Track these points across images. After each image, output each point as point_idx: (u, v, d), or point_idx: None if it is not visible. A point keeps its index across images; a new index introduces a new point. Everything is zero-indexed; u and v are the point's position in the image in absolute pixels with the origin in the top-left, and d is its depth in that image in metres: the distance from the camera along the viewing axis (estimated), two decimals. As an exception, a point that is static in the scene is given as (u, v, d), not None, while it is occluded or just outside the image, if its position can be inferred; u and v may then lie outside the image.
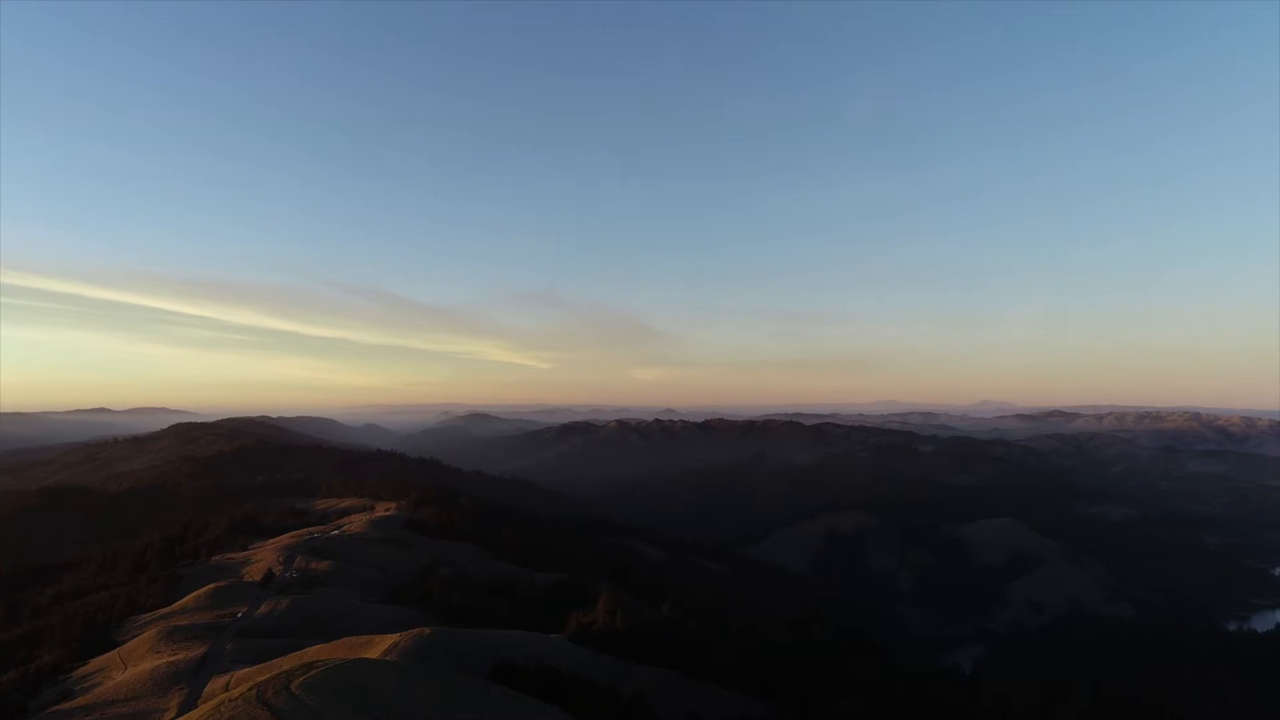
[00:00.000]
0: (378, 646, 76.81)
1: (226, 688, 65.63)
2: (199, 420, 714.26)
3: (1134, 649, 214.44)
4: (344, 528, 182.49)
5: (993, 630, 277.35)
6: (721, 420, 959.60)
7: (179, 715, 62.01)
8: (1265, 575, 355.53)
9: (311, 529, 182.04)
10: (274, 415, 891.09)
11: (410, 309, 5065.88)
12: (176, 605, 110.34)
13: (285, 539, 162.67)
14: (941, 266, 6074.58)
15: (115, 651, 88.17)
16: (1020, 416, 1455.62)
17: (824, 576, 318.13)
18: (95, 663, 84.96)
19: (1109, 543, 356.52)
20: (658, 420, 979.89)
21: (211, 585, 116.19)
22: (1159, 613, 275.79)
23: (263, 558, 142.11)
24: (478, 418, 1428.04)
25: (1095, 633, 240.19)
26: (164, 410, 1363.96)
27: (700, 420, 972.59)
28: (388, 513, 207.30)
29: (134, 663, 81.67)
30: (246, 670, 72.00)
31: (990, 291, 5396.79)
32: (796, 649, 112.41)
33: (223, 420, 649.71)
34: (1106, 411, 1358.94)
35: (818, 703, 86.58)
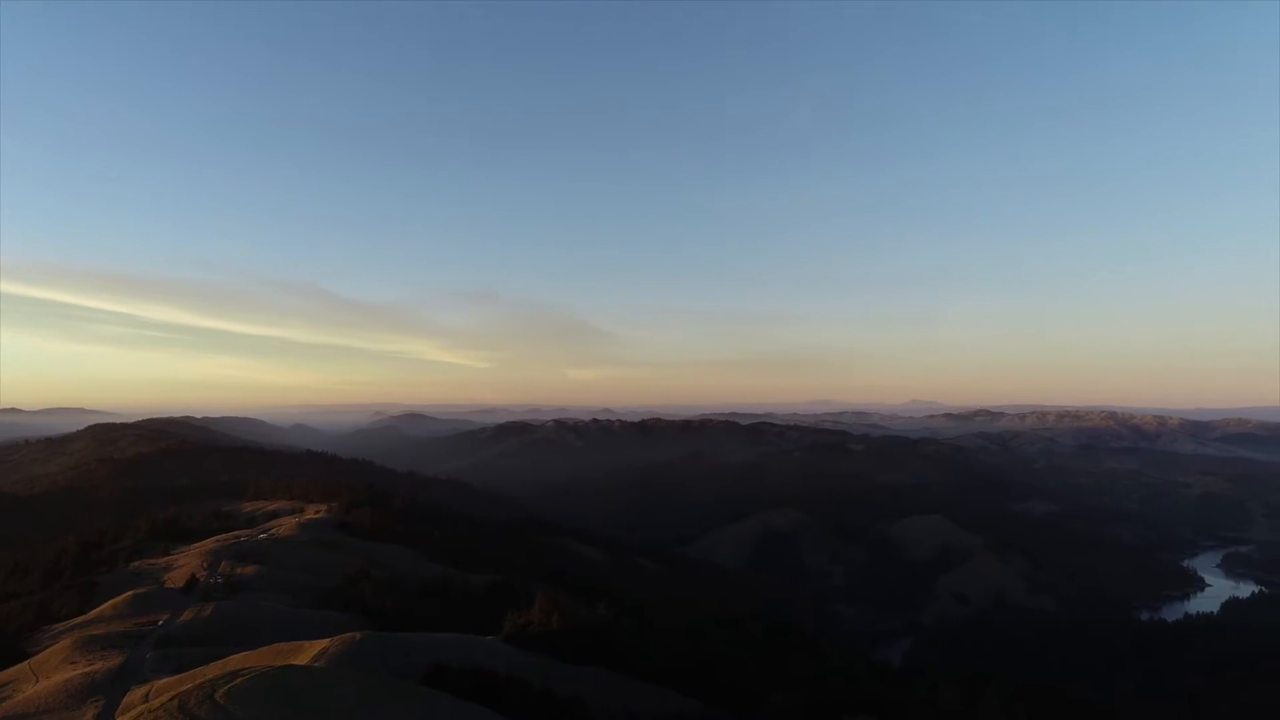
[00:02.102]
0: (307, 652, 74.90)
1: (146, 699, 63.19)
2: (118, 421, 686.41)
3: (1054, 639, 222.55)
4: (272, 531, 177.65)
5: (922, 623, 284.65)
6: (659, 420, 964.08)
7: (95, 728, 59.46)
8: (1175, 567, 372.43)
9: (238, 533, 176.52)
10: (198, 416, 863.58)
11: (344, 307, 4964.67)
12: (93, 614, 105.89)
13: (210, 543, 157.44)
14: (876, 268, 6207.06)
15: (26, 663, 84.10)
16: (949, 415, 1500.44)
17: (760, 574, 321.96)
18: (4, 675, 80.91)
19: (1032, 537, 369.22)
20: (595, 420, 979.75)
21: (130, 592, 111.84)
22: (1078, 604, 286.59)
23: (186, 563, 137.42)
24: (412, 418, 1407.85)
25: (1018, 624, 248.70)
26: (80, 410, 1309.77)
27: (638, 420, 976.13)
28: (318, 515, 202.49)
29: (46, 674, 78.06)
30: (167, 680, 69.44)
31: (923, 293, 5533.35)
32: (732, 646, 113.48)
33: (143, 421, 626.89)
34: (1030, 411, 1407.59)
35: (752, 699, 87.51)
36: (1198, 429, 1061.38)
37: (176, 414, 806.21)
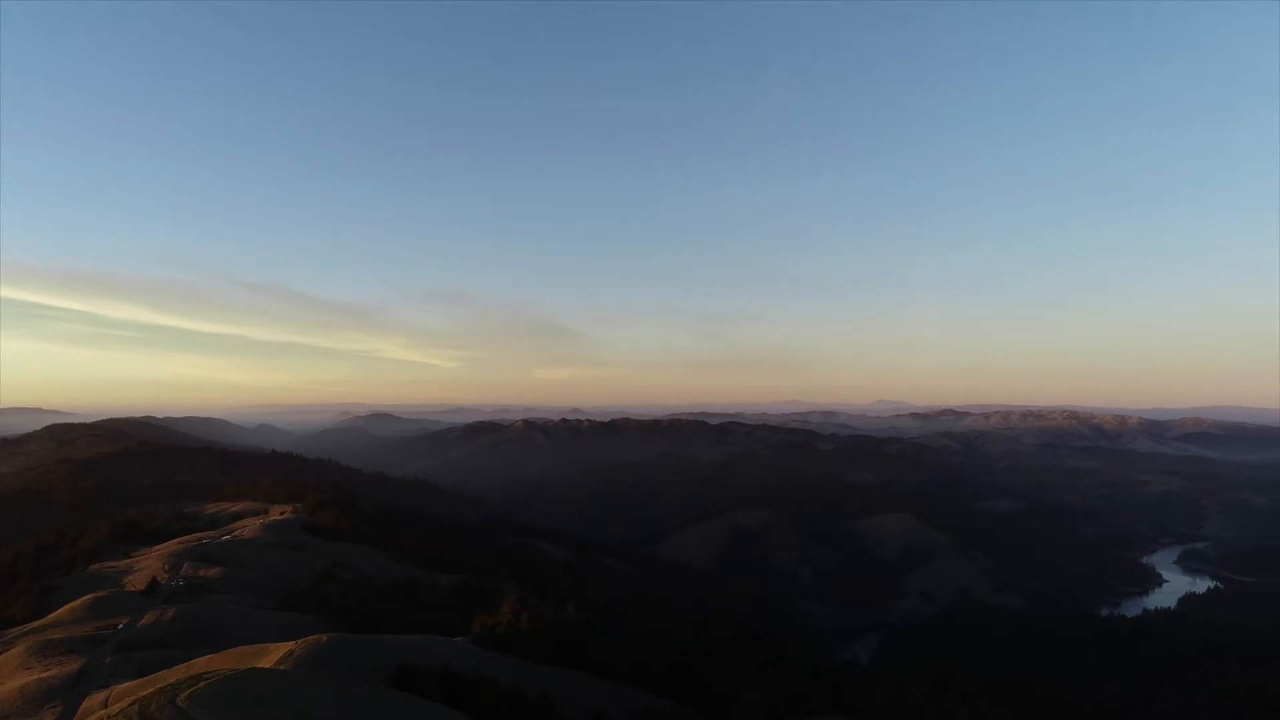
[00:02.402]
0: (271, 655, 74.05)
1: (106, 704, 62.13)
2: (76, 421, 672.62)
3: (1018, 635, 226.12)
4: (236, 532, 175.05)
5: (889, 621, 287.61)
6: (628, 420, 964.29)
7: (52, 735, 58.33)
8: (1134, 563, 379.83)
9: (201, 534, 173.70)
10: (159, 416, 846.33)
11: (310, 305, 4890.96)
12: (50, 618, 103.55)
13: (172, 545, 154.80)
14: (844, 268, 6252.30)
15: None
16: (915, 415, 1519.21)
17: (728, 573, 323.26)
18: (-43, 682, 79.00)
19: (996, 535, 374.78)
20: (564, 420, 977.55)
21: (90, 596, 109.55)
22: (1041, 600, 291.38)
23: (147, 566, 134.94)
24: (379, 418, 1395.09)
25: (983, 621, 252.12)
26: (37, 410, 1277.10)
27: (607, 420, 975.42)
28: (283, 516, 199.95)
29: (2, 680, 76.38)
30: (128, 685, 68.23)
31: (890, 293, 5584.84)
32: (700, 645, 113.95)
33: (102, 421, 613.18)
34: (994, 410, 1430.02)
35: (721, 698, 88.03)
36: (1156, 428, 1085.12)
37: (137, 414, 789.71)
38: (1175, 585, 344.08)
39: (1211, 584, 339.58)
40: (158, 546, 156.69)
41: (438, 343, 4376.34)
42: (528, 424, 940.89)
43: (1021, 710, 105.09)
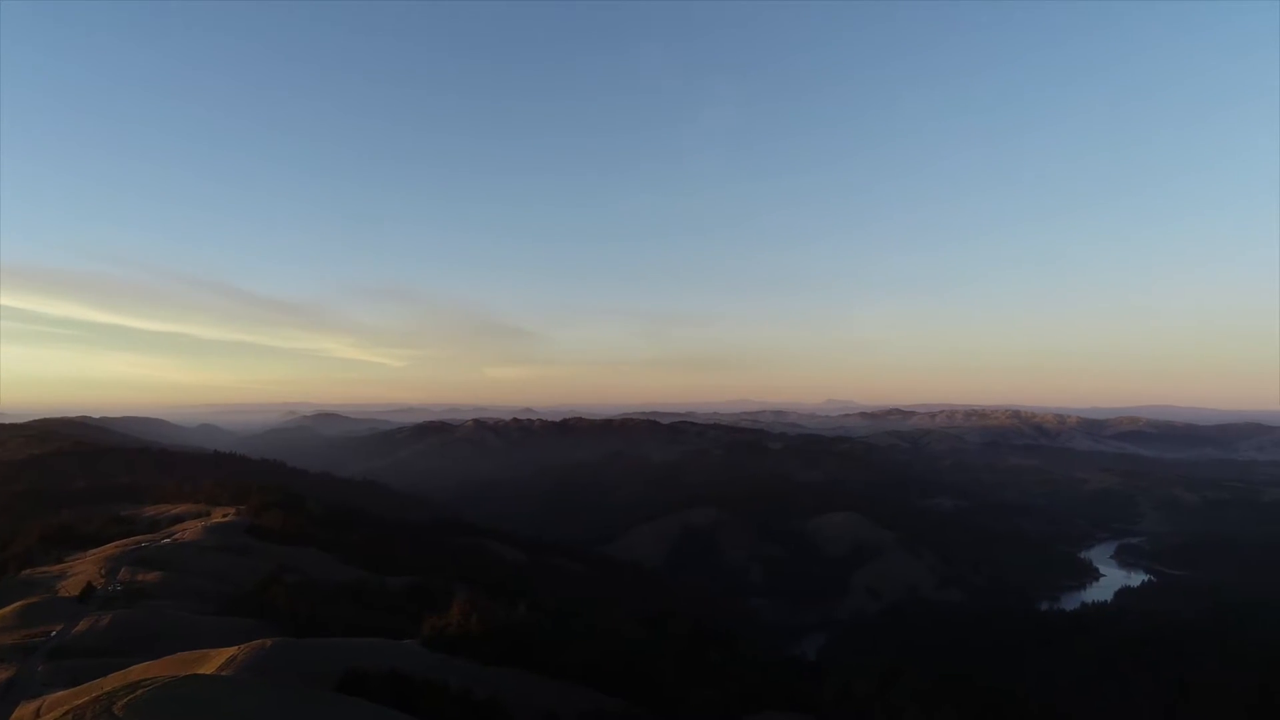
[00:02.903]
0: (213, 661, 72.21)
1: (38, 714, 60.00)
2: (7, 421, 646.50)
3: (962, 630, 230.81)
4: (176, 535, 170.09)
5: (837, 618, 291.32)
6: (580, 419, 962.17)
7: (-21, 747, 56.17)
8: (1073, 558, 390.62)
9: (139, 538, 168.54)
10: (96, 415, 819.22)
11: (255, 302, 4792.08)
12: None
13: (109, 549, 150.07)
14: (795, 269, 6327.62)
15: (-99, 680, 78.71)
16: (863, 414, 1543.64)
17: (680, 571, 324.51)
18: (-124, 694, 75.55)
19: (941, 532, 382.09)
20: (516, 419, 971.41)
21: (20, 602, 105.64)
22: (984, 595, 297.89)
23: (82, 570, 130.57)
24: (326, 417, 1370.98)
25: (929, 617, 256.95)
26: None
27: (559, 419, 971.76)
28: (226, 518, 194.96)
29: (-75, 692, 73.24)
30: (61, 694, 65.97)
31: (840, 294, 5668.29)
32: (652, 644, 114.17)
33: (35, 421, 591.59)
34: (939, 410, 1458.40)
35: (672, 696, 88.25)
36: (1093, 427, 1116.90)
37: (73, 414, 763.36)
38: (1112, 579, 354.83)
39: (1146, 577, 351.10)
40: (93, 550, 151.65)
41: (386, 342, 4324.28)
42: (478, 423, 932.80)
43: (965, 704, 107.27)
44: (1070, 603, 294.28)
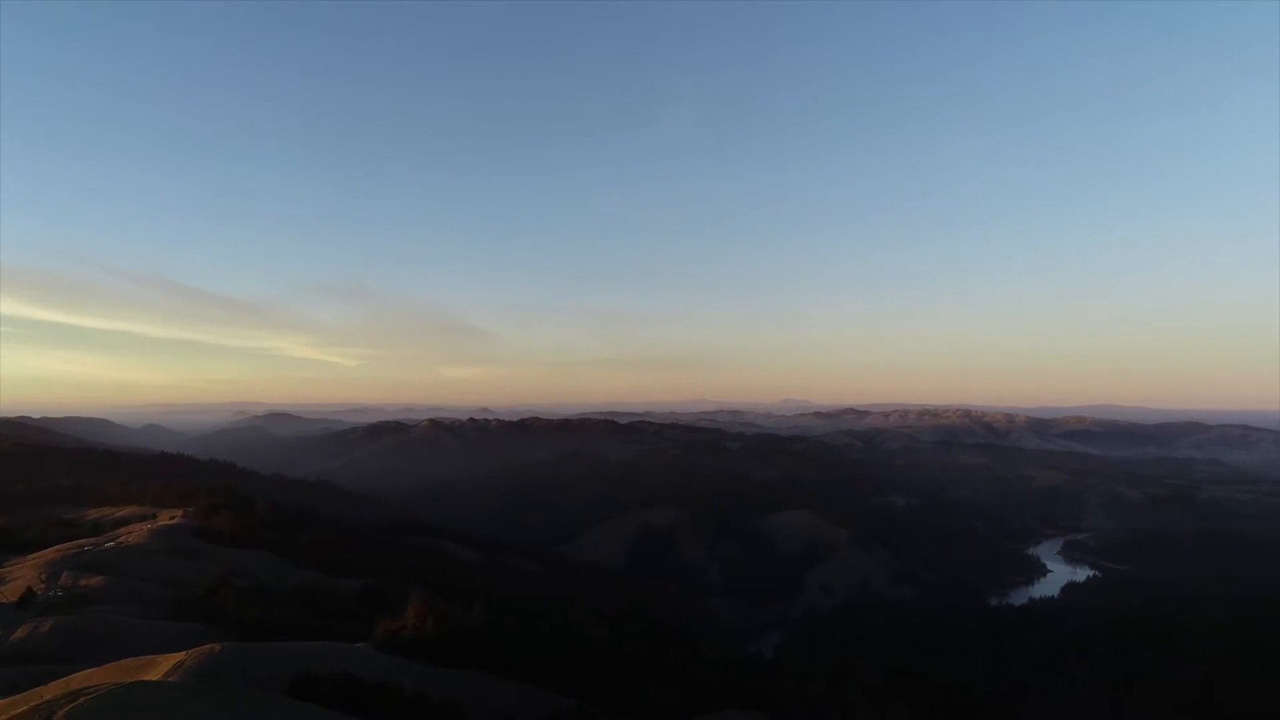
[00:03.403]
0: (159, 668, 70.43)
1: (-27, 725, 57.90)
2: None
3: (914, 626, 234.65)
4: (121, 539, 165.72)
5: (792, 615, 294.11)
6: (538, 419, 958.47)
7: (-89, 760, 53.99)
8: (1021, 554, 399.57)
9: (82, 541, 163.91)
10: (36, 415, 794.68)
11: (204, 300, 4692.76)
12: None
13: (49, 553, 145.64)
14: (753, 270, 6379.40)
15: None
16: (819, 414, 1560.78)
17: (637, 571, 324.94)
18: None
19: (893, 529, 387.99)
20: (473, 420, 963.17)
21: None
22: (935, 592, 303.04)
23: (21, 575, 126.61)
24: (278, 417, 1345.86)
25: (881, 613, 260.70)
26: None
27: (516, 419, 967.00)
28: (173, 521, 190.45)
29: None
30: (-2, 703, 63.83)
31: (797, 295, 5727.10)
32: (610, 644, 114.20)
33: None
34: (893, 409, 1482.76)
35: (629, 696, 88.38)
36: (1041, 426, 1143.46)
37: (11, 414, 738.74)
38: (1058, 575, 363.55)
39: (1091, 573, 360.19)
40: (33, 555, 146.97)
41: (340, 341, 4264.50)
42: (434, 423, 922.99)
43: (916, 699, 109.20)
44: (1019, 598, 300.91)
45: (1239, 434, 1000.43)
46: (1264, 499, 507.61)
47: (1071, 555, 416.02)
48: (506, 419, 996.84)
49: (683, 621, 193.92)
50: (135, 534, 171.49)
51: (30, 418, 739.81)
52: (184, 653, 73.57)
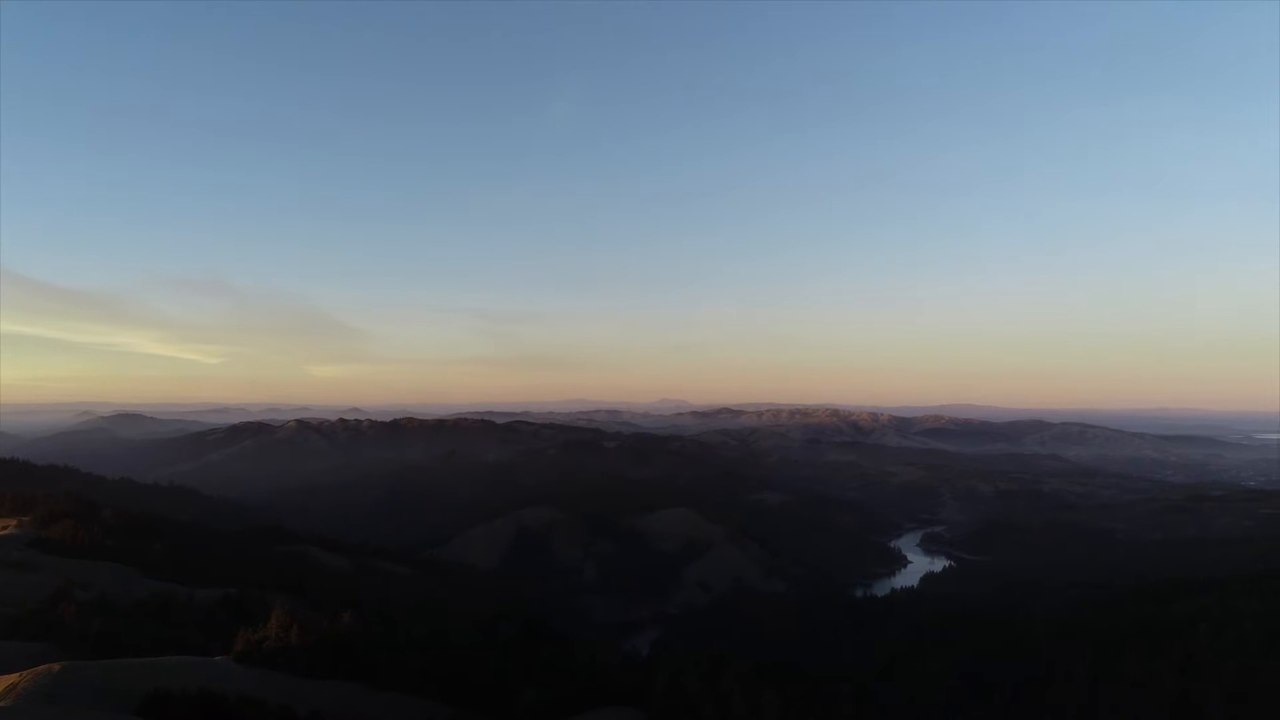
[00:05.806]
0: (-11, 691, 64.95)
1: None
2: None
3: (785, 619, 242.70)
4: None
5: (669, 612, 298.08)
6: (412, 419, 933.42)
7: None
8: (884, 547, 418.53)
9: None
10: None
11: (40, 291, 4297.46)
12: None
13: None
14: (630, 270, 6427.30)
15: None
16: (695, 413, 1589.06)
17: (513, 572, 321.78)
18: None
19: (766, 525, 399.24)
20: (343, 420, 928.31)
21: None
22: (805, 585, 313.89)
23: None
24: (127, 418, 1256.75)
25: (754, 606, 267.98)
26: None
27: (389, 419, 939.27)
28: (6, 531, 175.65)
29: None
30: None
31: (675, 296, 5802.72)
32: (484, 647, 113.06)
33: None
34: (766, 408, 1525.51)
35: (503, 699, 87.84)
36: (903, 424, 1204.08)
37: None
38: (918, 565, 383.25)
39: (947, 563, 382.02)
40: None
41: (198, 337, 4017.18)
42: (301, 424, 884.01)
43: (786, 688, 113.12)
44: (882, 588, 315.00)
45: (1076, 431, 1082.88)
46: (1099, 491, 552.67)
47: (929, 547, 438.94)
48: (379, 419, 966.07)
49: (559, 622, 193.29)
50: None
51: None
52: (18, 674, 68.14)
